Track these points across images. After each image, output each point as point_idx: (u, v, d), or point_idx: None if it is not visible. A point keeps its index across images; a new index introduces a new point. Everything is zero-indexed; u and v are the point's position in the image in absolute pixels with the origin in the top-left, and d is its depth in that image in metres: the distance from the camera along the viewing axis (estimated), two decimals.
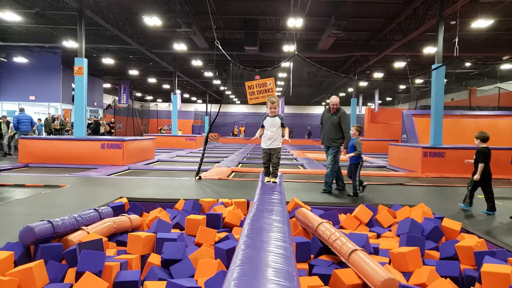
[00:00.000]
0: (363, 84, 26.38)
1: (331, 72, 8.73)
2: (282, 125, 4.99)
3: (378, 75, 23.82)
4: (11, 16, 13.52)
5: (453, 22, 12.63)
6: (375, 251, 3.86)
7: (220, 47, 7.74)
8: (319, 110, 40.91)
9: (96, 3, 12.87)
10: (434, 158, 10.67)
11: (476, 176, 5.46)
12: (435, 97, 11.30)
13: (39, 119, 19.21)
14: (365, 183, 6.72)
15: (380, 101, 34.88)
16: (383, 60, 19.99)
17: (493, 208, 5.41)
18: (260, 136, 5.20)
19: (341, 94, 34.70)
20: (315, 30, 15.59)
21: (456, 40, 9.97)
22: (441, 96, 11.31)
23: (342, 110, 7.02)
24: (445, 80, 12.74)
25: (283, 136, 5.05)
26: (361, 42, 17.53)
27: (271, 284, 1.59)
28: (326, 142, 7.04)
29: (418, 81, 27.03)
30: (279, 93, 31.97)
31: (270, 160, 5.03)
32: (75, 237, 3.65)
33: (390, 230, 4.62)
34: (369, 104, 36.70)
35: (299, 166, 12.74)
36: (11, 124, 14.33)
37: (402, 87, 30.50)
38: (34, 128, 16.41)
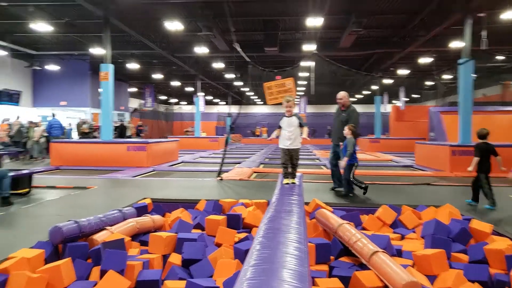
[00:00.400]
0: (387, 81, 25.91)
1: (351, 70, 8.67)
2: (300, 125, 4.96)
3: (403, 72, 23.35)
4: (43, 27, 14.05)
5: (481, 15, 12.24)
6: (398, 253, 3.76)
7: (239, 49, 7.82)
8: None
9: (120, 10, 13.20)
10: (463, 157, 10.28)
11: (469, 168, 5.68)
12: (463, 93, 10.96)
13: (69, 124, 19.87)
14: (365, 184, 6.45)
15: (407, 99, 34.22)
16: (408, 57, 19.60)
17: (494, 203, 5.58)
18: (277, 137, 5.19)
19: (365, 92, 34.28)
20: (335, 28, 15.48)
21: (484, 33, 9.60)
22: (470, 92, 10.94)
23: (352, 108, 6.84)
24: (475, 75, 12.32)
25: (301, 135, 5.02)
26: (384, 39, 17.27)
27: (284, 285, 1.62)
28: (334, 140, 6.95)
29: (446, 76, 26.29)
30: (301, 93, 31.82)
31: (290, 161, 5.01)
32: (100, 237, 3.78)
33: (414, 232, 4.50)
34: (394, 101, 36.05)
35: (322, 166, 12.68)
36: (36, 129, 14.75)
37: (429, 83, 29.76)
38: (65, 132, 16.99)
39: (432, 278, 3.18)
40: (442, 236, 3.81)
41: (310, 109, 39.66)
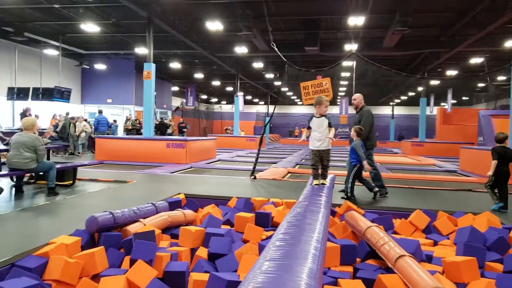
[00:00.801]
0: (434, 82, 24.98)
1: (391, 70, 8.44)
2: (330, 125, 4.93)
3: (451, 73, 22.43)
4: (92, 27, 14.78)
5: None
6: (428, 259, 3.67)
7: (276, 49, 7.85)
8: (387, 110, 39.55)
9: (163, 11, 13.60)
10: None
11: (489, 172, 5.64)
12: None
13: (114, 120, 20.66)
14: (375, 189, 6.16)
15: (455, 101, 32.89)
16: (456, 57, 18.83)
17: (505, 207, 5.55)
18: (307, 138, 5.17)
19: (411, 94, 33.30)
20: (379, 27, 15.14)
21: None
22: None
23: (365, 109, 6.66)
24: None
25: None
26: (430, 38, 16.69)
27: (294, 278, 1.66)
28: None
29: (500, 78, 24.91)
30: (342, 93, 31.37)
31: (320, 162, 4.99)
32: (133, 228, 3.95)
33: (448, 238, 4.37)
34: (442, 104, 34.77)
35: None
36: (77, 124, 15.16)
37: (480, 85, 28.33)
38: (110, 128, 17.72)
39: (461, 286, 3.09)
40: (476, 244, 3.67)
41: (352, 110, 39.02)
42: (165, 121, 21.40)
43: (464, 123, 22.40)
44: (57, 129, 15.08)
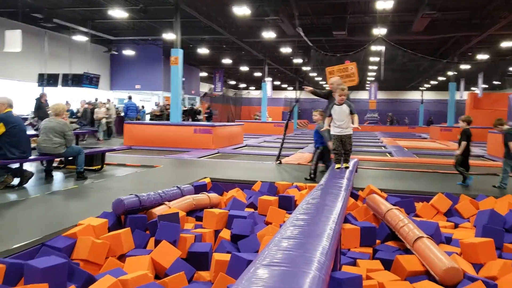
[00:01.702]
0: (465, 67, 24.18)
1: (417, 55, 8.25)
2: (351, 112, 4.91)
3: (482, 57, 21.69)
4: (119, 13, 14.95)
5: None
6: (448, 241, 3.72)
7: (302, 34, 7.79)
8: (416, 95, 38.59)
9: None
10: None
11: (458, 152, 6.19)
12: None
13: (143, 106, 21.09)
14: (314, 175, 6.27)
15: (487, 86, 31.73)
16: (488, 40, 18.15)
17: (465, 180, 6.10)
18: (329, 125, 5.16)
19: (441, 78, 32.34)
20: (407, 11, 14.72)
21: None
22: None
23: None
24: None
25: (352, 123, 4.95)
26: (460, 21, 16.12)
27: (305, 254, 1.71)
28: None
29: None
30: (372, 78, 30.78)
31: (342, 146, 4.99)
32: (158, 211, 4.08)
33: (469, 221, 4.38)
34: (472, 88, 33.65)
35: (387, 153, 12.33)
36: (97, 110, 15.21)
37: None
38: (138, 114, 18.09)
39: (478, 267, 3.12)
40: (496, 226, 3.67)
41: (381, 95, 38.25)
42: (194, 107, 21.68)
43: (495, 108, 21.67)
44: (78, 114, 15.24)
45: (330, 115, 5.06)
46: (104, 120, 15.31)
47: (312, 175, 6.24)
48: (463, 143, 6.16)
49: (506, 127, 6.37)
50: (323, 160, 6.45)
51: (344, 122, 4.89)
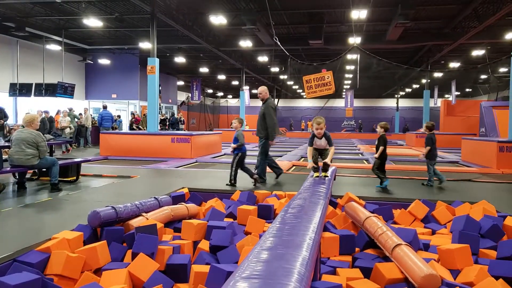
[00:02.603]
0: (438, 75, 24.90)
1: (391, 63, 8.44)
2: (329, 144, 5.03)
3: (454, 65, 22.41)
4: (94, 22, 14.75)
5: None
6: (426, 248, 3.76)
7: (279, 43, 7.85)
8: (392, 102, 39.37)
9: (166, 5, 13.60)
10: None
11: (376, 155, 6.55)
12: None
13: (119, 115, 20.77)
14: (255, 176, 6.67)
15: (459, 93, 32.67)
16: (459, 49, 18.79)
17: (382, 183, 6.39)
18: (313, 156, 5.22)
19: (415, 86, 33.14)
20: (381, 20, 15.11)
21: None
22: None
23: (268, 101, 6.98)
24: None
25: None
26: (433, 31, 16.63)
27: (285, 266, 1.70)
28: (257, 133, 7.21)
29: (502, 70, 24.87)
30: (347, 86, 31.26)
31: (320, 156, 5.10)
32: (135, 222, 4.00)
33: (446, 227, 4.44)
34: (446, 95, 34.59)
35: (364, 161, 12.48)
36: (62, 119, 14.79)
37: (483, 77, 28.27)
38: (114, 124, 17.80)
39: (455, 273, 3.16)
40: (471, 232, 3.75)
41: (358, 103, 38.86)
42: (176, 116, 21.52)
43: (467, 115, 22.33)
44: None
45: (311, 145, 5.16)
46: (68, 130, 14.85)
47: (232, 181, 6.47)
48: (381, 148, 6.52)
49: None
50: (241, 167, 6.65)
51: (323, 155, 5.07)
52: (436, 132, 21.91)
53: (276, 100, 30.82)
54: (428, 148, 6.83)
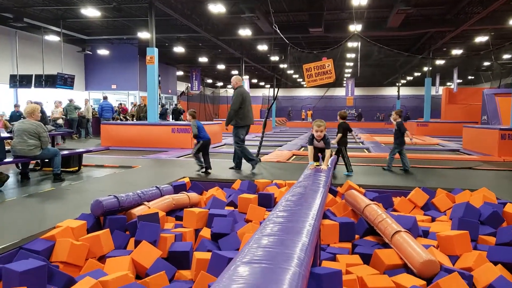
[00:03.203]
0: (440, 62, 24.69)
1: (393, 51, 8.40)
2: (327, 146, 5.08)
3: (456, 52, 22.21)
4: (92, 12, 14.65)
5: None
6: (425, 235, 3.79)
7: (278, 31, 7.82)
8: (393, 91, 39.25)
9: None
10: None
11: (333, 141, 6.57)
12: None
13: (119, 105, 20.75)
14: (203, 170, 6.79)
15: (461, 80, 32.51)
16: (461, 36, 18.61)
17: (349, 169, 6.68)
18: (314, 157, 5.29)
19: (417, 74, 32.98)
20: (383, 7, 14.94)
21: None
22: None
23: (237, 90, 7.07)
24: None
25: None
26: (435, 17, 16.43)
27: (285, 251, 1.73)
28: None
29: (506, 56, 24.51)
30: (348, 75, 31.12)
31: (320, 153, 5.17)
32: (138, 211, 4.05)
33: (445, 215, 4.47)
34: (448, 83, 34.42)
35: (364, 149, 12.52)
36: (54, 110, 14.69)
37: (486, 64, 28.00)
38: (115, 114, 17.81)
39: (454, 259, 3.20)
40: (471, 219, 3.77)
41: (358, 91, 38.75)
42: (178, 107, 21.49)
43: (469, 103, 22.26)
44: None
45: (311, 144, 5.22)
46: (60, 121, 14.82)
47: (202, 166, 6.80)
48: (339, 135, 6.88)
49: (399, 120, 7.32)
50: (203, 153, 6.91)
51: (322, 149, 5.15)
52: (437, 120, 22.26)
53: (275, 89, 30.78)
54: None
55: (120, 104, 20.18)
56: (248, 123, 7.20)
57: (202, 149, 6.86)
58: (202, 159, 6.83)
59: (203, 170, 6.80)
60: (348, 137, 7.05)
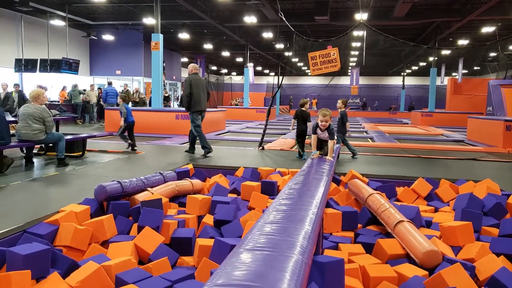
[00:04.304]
0: (445, 52, 24.46)
1: (398, 40, 8.32)
2: (331, 137, 5.00)
3: (462, 42, 21.97)
4: None
5: None
6: (428, 225, 3.79)
7: (284, 19, 7.74)
8: (398, 80, 38.95)
9: None
10: None
11: (291, 127, 7.56)
12: None
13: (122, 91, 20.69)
14: (130, 142, 8.05)
15: (466, 71, 32.21)
16: (468, 26, 18.36)
17: (300, 154, 7.28)
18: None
19: (422, 64, 32.69)
20: None
21: None
22: None
23: (186, 77, 7.49)
24: None
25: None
26: (442, 6, 16.22)
27: (288, 239, 1.73)
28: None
29: None
30: (353, 63, 30.88)
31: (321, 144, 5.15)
32: (141, 197, 4.06)
33: (449, 205, 4.47)
34: (453, 74, 34.10)
35: (368, 139, 12.49)
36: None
37: (492, 54, 27.71)
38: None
39: (457, 249, 3.20)
40: (474, 209, 3.75)
41: (363, 80, 38.46)
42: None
43: (474, 93, 22.08)
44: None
45: (315, 133, 5.17)
46: (94, 99, 15.05)
47: (129, 143, 8.01)
48: (293, 121, 7.40)
49: (343, 110, 7.50)
50: (129, 135, 8.04)
51: (325, 146, 5.10)
52: (442, 111, 22.12)
53: (280, 77, 30.58)
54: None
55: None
56: (198, 109, 7.52)
57: (129, 130, 8.01)
58: (128, 138, 7.99)
59: (131, 148, 7.99)
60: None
